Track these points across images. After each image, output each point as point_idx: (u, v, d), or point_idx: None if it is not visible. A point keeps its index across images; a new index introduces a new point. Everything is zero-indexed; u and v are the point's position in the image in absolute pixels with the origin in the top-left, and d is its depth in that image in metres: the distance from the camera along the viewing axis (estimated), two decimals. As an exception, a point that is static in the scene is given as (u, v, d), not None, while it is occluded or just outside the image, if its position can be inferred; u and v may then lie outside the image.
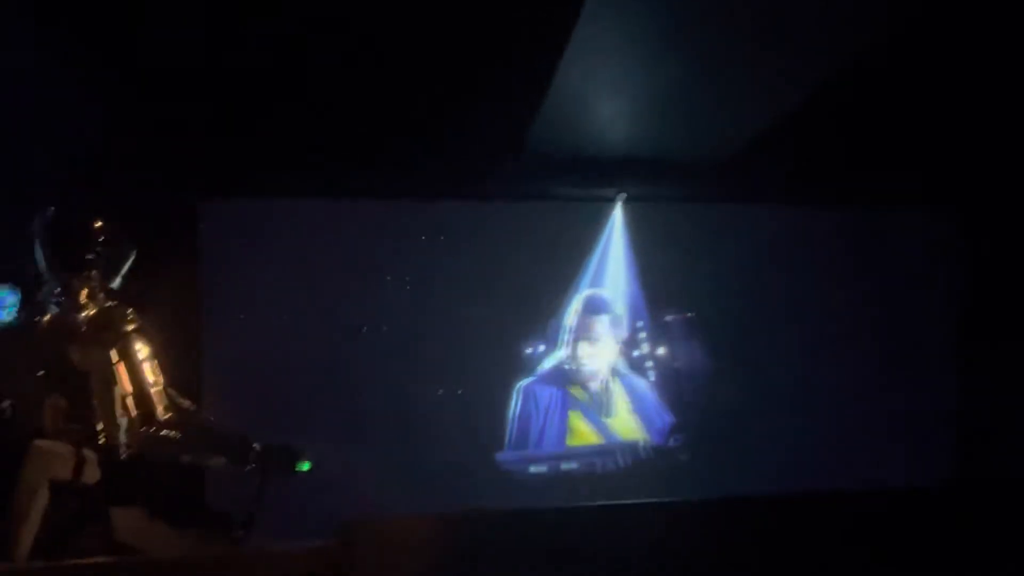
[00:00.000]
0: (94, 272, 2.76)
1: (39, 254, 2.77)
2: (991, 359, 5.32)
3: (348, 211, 4.88)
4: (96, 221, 2.81)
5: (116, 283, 2.87)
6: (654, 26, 4.20)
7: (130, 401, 2.60)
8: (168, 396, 2.74)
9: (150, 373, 2.65)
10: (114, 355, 2.63)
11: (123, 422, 2.62)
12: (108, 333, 2.66)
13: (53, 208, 2.80)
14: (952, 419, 5.50)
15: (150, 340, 2.72)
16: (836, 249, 5.45)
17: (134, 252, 2.89)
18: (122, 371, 2.62)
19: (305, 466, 2.81)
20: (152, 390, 2.63)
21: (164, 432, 2.61)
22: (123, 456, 2.59)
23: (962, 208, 5.52)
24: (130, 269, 2.90)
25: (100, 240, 2.79)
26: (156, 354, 2.72)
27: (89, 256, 2.76)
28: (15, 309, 3.34)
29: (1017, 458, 5.14)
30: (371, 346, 4.80)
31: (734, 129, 4.92)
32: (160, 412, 2.62)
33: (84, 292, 2.74)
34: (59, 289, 2.76)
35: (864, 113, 4.82)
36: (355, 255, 4.84)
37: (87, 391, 2.64)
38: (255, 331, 4.58)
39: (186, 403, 2.82)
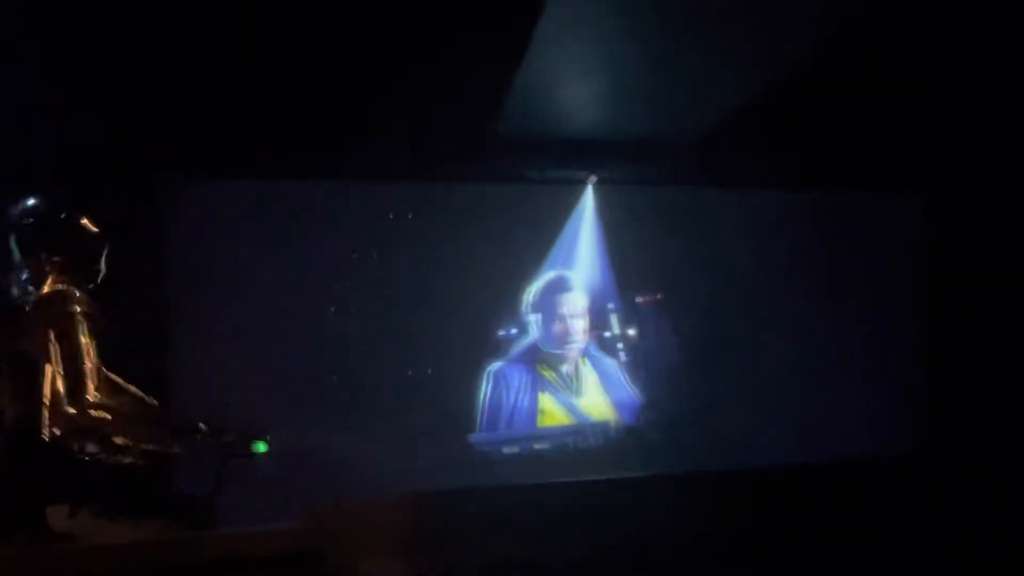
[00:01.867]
0: (59, 259, 2.72)
1: (12, 243, 2.73)
2: (954, 336, 5.44)
3: (316, 193, 4.84)
4: (64, 208, 2.76)
5: (100, 276, 2.83)
6: (624, 7, 4.20)
7: (60, 381, 2.52)
8: (108, 379, 2.68)
9: (86, 354, 2.56)
10: (52, 335, 2.55)
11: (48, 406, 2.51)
12: (49, 313, 2.59)
13: (30, 200, 2.74)
14: (916, 395, 5.61)
15: (94, 324, 2.64)
16: (804, 230, 5.52)
17: (107, 244, 2.85)
18: (56, 352, 2.54)
19: (261, 447, 2.76)
20: (88, 372, 2.54)
21: (93, 412, 2.52)
22: (45, 438, 2.49)
23: (927, 189, 5.61)
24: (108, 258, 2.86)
25: (75, 233, 2.75)
26: (97, 336, 2.64)
27: (54, 242, 2.72)
28: None
29: (979, 431, 5.28)
30: (341, 328, 4.77)
31: (704, 112, 4.95)
32: (90, 390, 2.53)
33: (51, 279, 2.70)
34: (26, 277, 2.71)
35: (833, 96, 4.88)
36: (324, 237, 4.79)
37: (20, 375, 2.57)
38: (222, 313, 4.53)
39: (131, 388, 2.76)
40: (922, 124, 5.11)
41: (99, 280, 2.82)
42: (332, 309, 4.77)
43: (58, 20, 3.80)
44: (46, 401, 2.52)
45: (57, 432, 2.52)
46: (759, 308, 5.40)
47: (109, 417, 2.56)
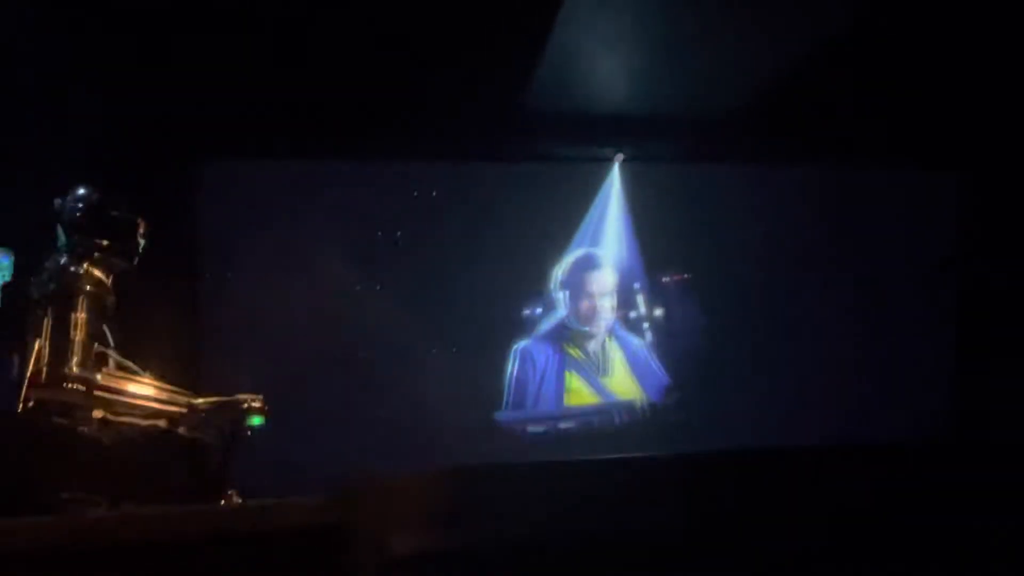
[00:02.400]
0: (105, 242, 2.76)
1: (60, 233, 2.78)
2: (988, 320, 5.34)
3: (344, 172, 4.86)
4: (115, 201, 2.80)
5: (139, 251, 2.86)
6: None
7: (45, 352, 2.51)
8: (101, 355, 2.64)
9: (76, 327, 2.55)
10: (50, 310, 2.57)
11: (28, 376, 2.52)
12: (54, 290, 2.61)
13: (81, 192, 2.78)
14: (948, 378, 5.53)
15: (100, 306, 2.64)
16: (835, 209, 5.43)
17: (147, 224, 2.88)
18: (48, 325, 2.55)
19: (256, 420, 2.75)
20: (72, 344, 2.53)
21: (69, 386, 2.50)
22: (19, 409, 2.49)
23: (964, 170, 5.49)
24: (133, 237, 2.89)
25: (117, 219, 2.79)
26: (102, 315, 2.64)
27: (107, 243, 2.76)
28: (9, 272, 3.37)
29: (1013, 420, 5.18)
30: (368, 307, 4.81)
31: (733, 87, 4.87)
32: (72, 364, 2.51)
33: (86, 262, 2.73)
34: (65, 257, 2.75)
35: (867, 72, 4.78)
36: (352, 216, 4.83)
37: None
38: (252, 292, 4.59)
39: (128, 364, 2.72)
40: (961, 103, 4.99)
41: (136, 259, 2.85)
42: (357, 287, 4.81)
43: (93, 5, 3.84)
44: (28, 373, 2.50)
45: (31, 405, 2.49)
46: (787, 287, 5.34)
47: (84, 390, 2.52)
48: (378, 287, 4.85)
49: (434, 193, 4.96)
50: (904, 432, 5.31)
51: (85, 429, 2.54)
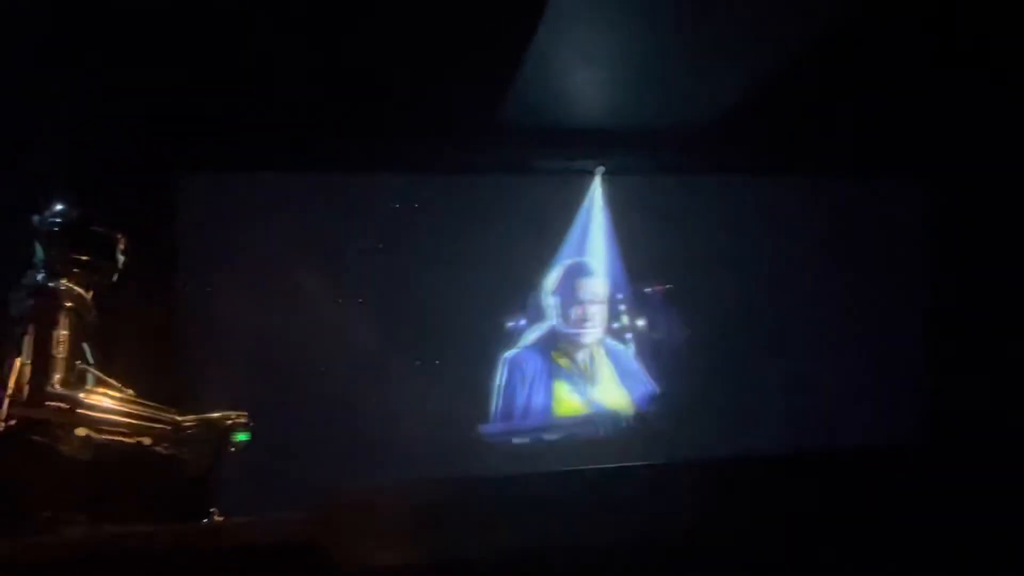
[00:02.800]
0: (84, 257, 2.72)
1: (37, 248, 2.72)
2: (960, 325, 5.42)
3: (326, 184, 4.86)
4: (92, 217, 2.76)
5: (119, 267, 2.83)
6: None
7: (26, 369, 2.45)
8: (83, 373, 2.60)
9: (58, 344, 2.50)
10: (31, 327, 2.51)
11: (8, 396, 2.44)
12: (34, 306, 2.56)
13: (59, 208, 2.73)
14: (923, 385, 5.58)
15: (79, 321, 2.59)
16: (812, 219, 5.50)
17: (126, 239, 2.85)
18: (28, 342, 2.49)
19: (241, 436, 2.74)
20: (54, 362, 2.47)
21: (52, 404, 2.44)
22: (2, 431, 2.41)
23: (935, 178, 5.57)
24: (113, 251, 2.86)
25: (94, 235, 2.75)
26: (85, 332, 2.60)
27: (86, 259, 2.70)
28: None
29: (985, 422, 5.25)
30: (350, 319, 4.80)
31: (711, 100, 4.93)
32: (54, 381, 2.45)
33: (64, 279, 2.70)
34: (41, 276, 2.72)
35: (842, 84, 4.85)
36: (332, 229, 4.82)
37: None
38: (231, 306, 4.57)
39: (110, 382, 2.66)
40: (932, 110, 5.07)
41: (116, 275, 2.83)
42: (339, 300, 4.80)
43: (68, 17, 3.82)
44: (9, 391, 2.45)
45: (13, 424, 2.44)
46: (767, 297, 5.39)
47: (66, 408, 2.47)
48: (360, 300, 4.84)
49: (415, 205, 4.96)
50: (885, 436, 5.36)
51: (67, 448, 2.50)
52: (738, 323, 5.33)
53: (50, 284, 2.65)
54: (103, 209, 2.89)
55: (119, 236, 2.82)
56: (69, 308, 2.59)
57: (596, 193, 5.30)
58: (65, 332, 2.53)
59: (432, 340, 4.91)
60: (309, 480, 3.94)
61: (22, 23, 3.77)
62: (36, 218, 2.76)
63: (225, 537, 2.43)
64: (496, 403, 5.14)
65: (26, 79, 3.95)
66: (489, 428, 5.13)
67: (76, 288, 2.67)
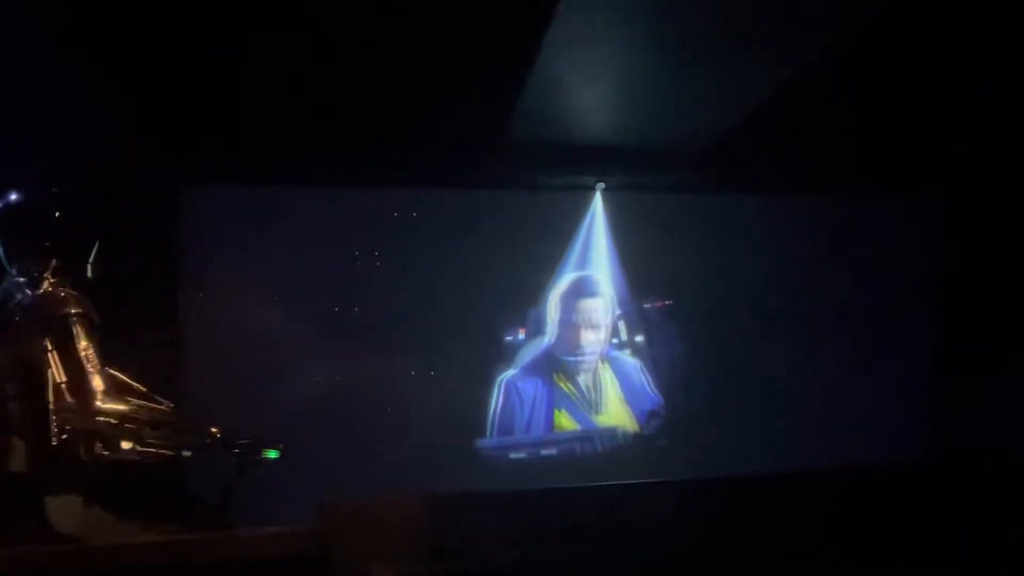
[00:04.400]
0: (54, 260, 2.71)
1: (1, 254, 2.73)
2: (967, 342, 5.43)
3: (328, 199, 4.88)
4: (51, 208, 2.76)
5: (89, 272, 2.82)
6: (633, 14, 4.22)
7: (65, 388, 2.52)
8: (115, 380, 2.65)
9: (88, 359, 2.55)
10: (48, 342, 2.55)
11: (55, 410, 2.51)
12: (41, 318, 2.58)
13: (10, 196, 2.75)
14: (928, 401, 5.59)
15: (91, 325, 2.62)
16: (814, 236, 5.51)
17: (97, 238, 2.84)
18: (55, 358, 2.54)
19: (272, 453, 2.78)
20: (89, 375, 2.53)
21: (101, 419, 2.51)
22: (55, 444, 2.49)
23: (938, 193, 5.60)
24: (101, 257, 2.85)
25: (58, 228, 2.75)
26: (98, 339, 2.63)
27: (46, 244, 2.71)
28: None
29: (993, 436, 5.25)
30: (349, 333, 4.81)
31: (714, 118, 4.95)
32: (99, 398, 2.52)
33: (46, 282, 2.70)
34: (22, 280, 2.71)
35: (842, 101, 4.87)
36: (335, 243, 4.84)
37: (21, 379, 2.57)
38: (234, 317, 4.58)
39: (140, 388, 2.73)
40: (933, 129, 5.09)
41: (89, 275, 2.81)
42: (341, 313, 4.80)
43: (73, 22, 3.85)
44: (51, 406, 2.50)
45: (65, 438, 2.50)
46: (769, 313, 5.40)
47: (115, 422, 2.53)
48: (361, 312, 4.85)
49: (416, 220, 4.98)
50: (890, 453, 5.35)
51: (110, 458, 2.55)
52: (739, 339, 5.33)
53: (49, 291, 2.63)
54: (110, 220, 2.90)
55: (91, 236, 2.81)
56: (78, 315, 2.60)
57: (597, 209, 5.32)
58: (86, 343, 2.55)
59: (433, 353, 4.92)
60: (307, 492, 3.93)
61: (26, 39, 3.79)
62: (4, 218, 2.73)
63: (228, 549, 2.45)
64: (492, 425, 5.12)
65: (32, 93, 3.97)
66: (487, 443, 5.12)
67: (72, 292, 2.66)
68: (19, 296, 2.68)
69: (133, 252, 2.97)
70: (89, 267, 2.81)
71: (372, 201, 4.96)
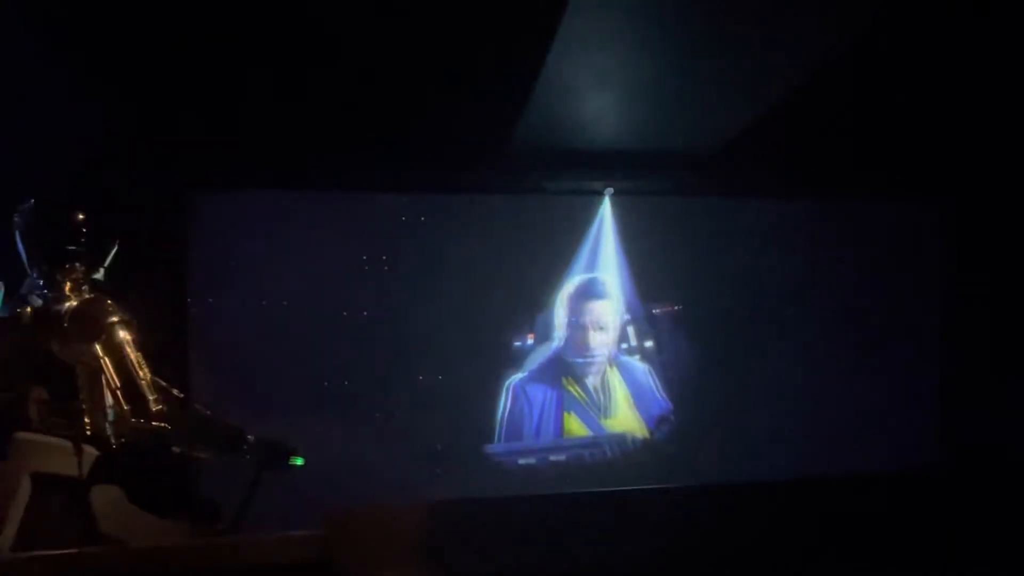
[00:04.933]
0: (77, 264, 2.74)
1: (20, 247, 2.77)
2: (975, 349, 5.39)
3: (336, 204, 4.89)
4: (76, 213, 2.78)
5: (100, 275, 2.85)
6: (641, 18, 4.21)
7: (120, 393, 2.56)
8: (157, 385, 2.69)
9: (137, 364, 2.61)
10: (99, 348, 2.59)
11: (111, 414, 2.58)
12: (91, 326, 2.61)
13: (32, 200, 2.77)
14: (938, 406, 5.55)
15: (133, 331, 2.67)
16: (823, 239, 5.49)
17: (116, 243, 2.87)
18: (108, 364, 2.58)
19: (299, 461, 2.81)
20: (141, 381, 2.59)
21: (155, 423, 2.57)
22: (114, 448, 2.56)
23: (947, 197, 5.57)
24: (115, 261, 2.89)
25: (81, 232, 2.76)
26: (141, 344, 2.70)
27: (70, 248, 2.74)
28: (1, 305, 3.33)
29: (1002, 441, 5.21)
30: (357, 337, 4.81)
31: (722, 122, 4.95)
32: (152, 404, 2.57)
33: (68, 285, 2.72)
34: (43, 282, 2.74)
35: (851, 105, 4.86)
36: (343, 247, 4.84)
37: (73, 384, 2.63)
38: (242, 322, 4.59)
39: (175, 391, 2.77)
40: (942, 132, 5.07)
41: (101, 279, 2.83)
42: (348, 317, 4.80)
43: (85, 30, 3.86)
44: (110, 411, 2.57)
45: (124, 442, 2.57)
46: (778, 317, 5.38)
47: (167, 428, 2.58)
48: (366, 316, 4.85)
49: (424, 224, 4.98)
50: (902, 460, 5.32)
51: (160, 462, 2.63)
52: (748, 344, 5.31)
53: (88, 296, 2.67)
54: (118, 224, 2.90)
55: (110, 239, 2.84)
56: (122, 321, 2.63)
57: (606, 213, 5.31)
58: (132, 351, 2.60)
59: (441, 358, 4.91)
60: (314, 498, 3.92)
61: (33, 44, 3.81)
62: (16, 218, 2.77)
63: (233, 555, 2.44)
64: (500, 430, 5.11)
65: (39, 99, 3.98)
66: (492, 448, 5.11)
67: (108, 300, 2.70)
68: (39, 300, 2.70)
69: (141, 255, 2.96)
70: (103, 271, 2.83)
71: (380, 205, 4.96)
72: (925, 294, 5.62)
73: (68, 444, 2.59)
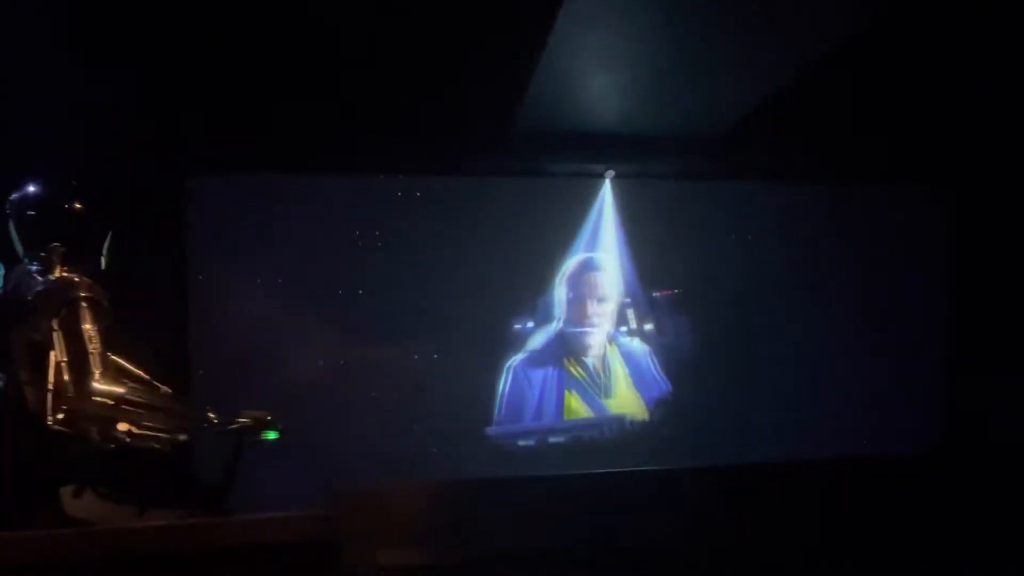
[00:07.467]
0: (64, 248, 2.74)
1: (12, 230, 2.77)
2: (979, 333, 5.40)
3: (334, 186, 4.87)
4: (66, 197, 2.79)
5: (103, 264, 2.85)
6: (643, 1, 4.19)
7: (65, 367, 2.51)
8: (115, 365, 2.67)
9: (90, 339, 2.56)
10: (55, 323, 2.56)
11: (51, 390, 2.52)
12: (53, 299, 2.60)
13: (25, 184, 2.78)
14: (939, 393, 5.56)
15: (99, 308, 2.64)
16: (825, 225, 5.48)
17: (111, 228, 2.86)
18: (59, 338, 2.55)
19: (271, 434, 2.77)
20: (91, 357, 2.53)
21: (97, 400, 2.51)
22: (52, 425, 2.50)
23: (953, 184, 5.55)
24: (113, 246, 2.88)
25: (69, 216, 2.77)
26: (107, 325, 2.64)
27: (58, 231, 2.74)
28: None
29: (1004, 429, 5.22)
30: (357, 319, 4.82)
31: (724, 106, 4.93)
32: (95, 379, 2.51)
33: (58, 268, 2.72)
34: (35, 266, 2.75)
35: (855, 89, 4.83)
36: (341, 230, 4.84)
37: (31, 363, 2.60)
38: (240, 303, 4.60)
39: (139, 373, 2.75)
40: (949, 120, 5.05)
41: (103, 267, 2.84)
42: (348, 300, 4.81)
43: (79, 21, 3.85)
44: (50, 387, 2.51)
45: (61, 417, 2.51)
46: (778, 303, 5.38)
47: (111, 403, 2.53)
48: (365, 299, 4.85)
49: (422, 207, 4.98)
50: (901, 444, 5.34)
51: (104, 440, 2.55)
52: (749, 328, 5.32)
53: (62, 275, 2.67)
54: (116, 209, 2.91)
55: (104, 225, 2.83)
56: (87, 298, 2.62)
57: (606, 196, 5.30)
58: (90, 326, 2.57)
59: (441, 340, 4.92)
60: (315, 478, 3.95)
61: (32, 28, 3.79)
62: (11, 201, 2.77)
63: (234, 534, 2.45)
64: (499, 409, 5.13)
65: (37, 82, 3.97)
66: (495, 429, 5.13)
67: (84, 277, 2.69)
68: (30, 282, 2.71)
69: (139, 240, 2.95)
70: (103, 259, 2.83)
71: (378, 188, 4.96)
72: (928, 280, 5.61)
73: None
